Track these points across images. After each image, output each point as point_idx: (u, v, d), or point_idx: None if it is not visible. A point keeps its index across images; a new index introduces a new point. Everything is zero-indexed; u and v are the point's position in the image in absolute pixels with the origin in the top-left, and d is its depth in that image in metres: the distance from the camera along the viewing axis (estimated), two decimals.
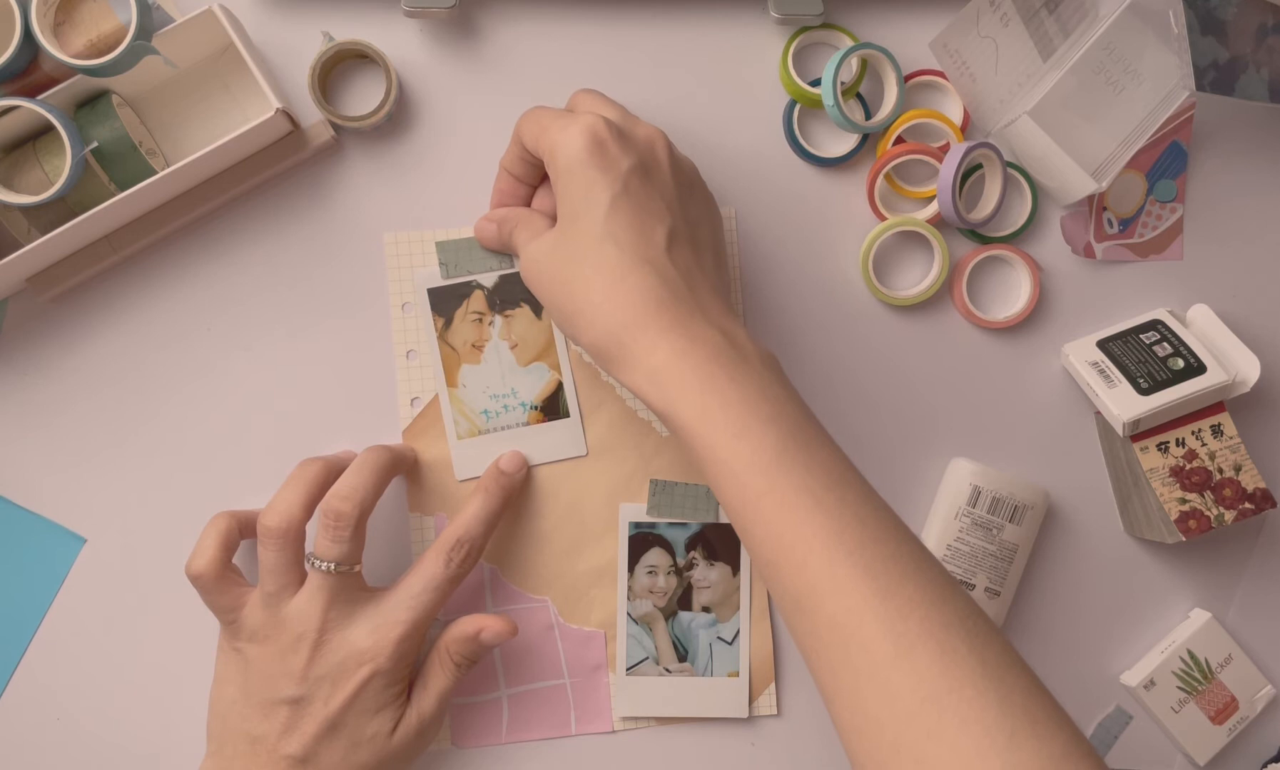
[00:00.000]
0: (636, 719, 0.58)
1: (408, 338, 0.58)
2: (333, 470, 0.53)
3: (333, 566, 0.50)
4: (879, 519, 0.45)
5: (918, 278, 0.60)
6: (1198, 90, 0.56)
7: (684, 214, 0.50)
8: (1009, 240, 0.60)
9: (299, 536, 0.51)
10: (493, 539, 0.58)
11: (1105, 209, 0.60)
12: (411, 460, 0.57)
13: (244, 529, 0.54)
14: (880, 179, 0.58)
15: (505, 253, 0.57)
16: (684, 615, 0.58)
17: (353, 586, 0.51)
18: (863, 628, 0.42)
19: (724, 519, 0.58)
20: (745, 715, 0.59)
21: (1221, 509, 0.56)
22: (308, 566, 0.51)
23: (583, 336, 0.48)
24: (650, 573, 0.58)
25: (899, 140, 0.59)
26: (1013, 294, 0.60)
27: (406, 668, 0.53)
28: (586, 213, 0.48)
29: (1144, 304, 0.61)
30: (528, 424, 0.58)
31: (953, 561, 0.57)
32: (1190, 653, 0.59)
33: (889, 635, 0.42)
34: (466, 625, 0.54)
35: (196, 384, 0.57)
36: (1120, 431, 0.56)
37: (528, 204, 0.55)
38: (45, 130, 0.52)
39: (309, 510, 0.51)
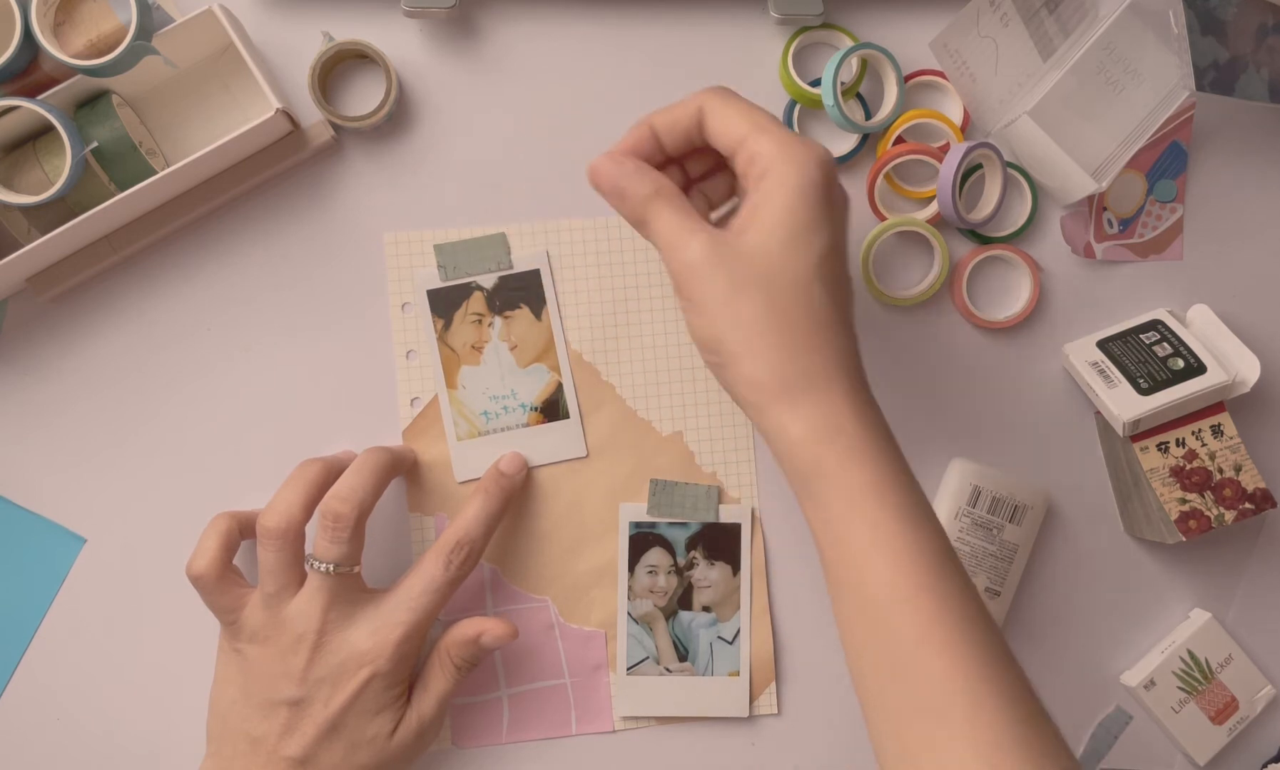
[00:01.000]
0: (637, 719, 0.58)
1: (407, 338, 0.58)
2: (332, 471, 0.53)
3: (332, 567, 0.50)
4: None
5: (918, 278, 0.60)
6: (1198, 90, 0.56)
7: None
8: (1009, 240, 0.60)
9: (299, 537, 0.51)
10: (493, 539, 0.58)
11: (1105, 209, 0.60)
12: (411, 461, 0.57)
13: (245, 529, 0.54)
14: (880, 179, 0.58)
15: (616, 205, 0.48)
16: (684, 615, 0.58)
17: (352, 587, 0.51)
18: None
19: (724, 519, 0.58)
20: (746, 715, 0.59)
21: (1221, 509, 0.56)
22: (307, 567, 0.51)
23: (750, 367, 0.46)
24: (650, 572, 0.58)
25: (899, 140, 0.59)
26: (1013, 294, 0.60)
27: (406, 669, 0.53)
28: (805, 243, 0.45)
29: (1144, 304, 0.61)
30: (527, 425, 0.58)
31: None
32: (1190, 653, 0.59)
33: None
34: (467, 628, 0.54)
35: (196, 384, 0.57)
36: (1120, 431, 0.56)
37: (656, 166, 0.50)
38: (45, 130, 0.52)
39: (309, 511, 0.51)
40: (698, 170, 0.52)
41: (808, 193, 0.45)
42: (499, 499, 0.55)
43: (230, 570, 0.52)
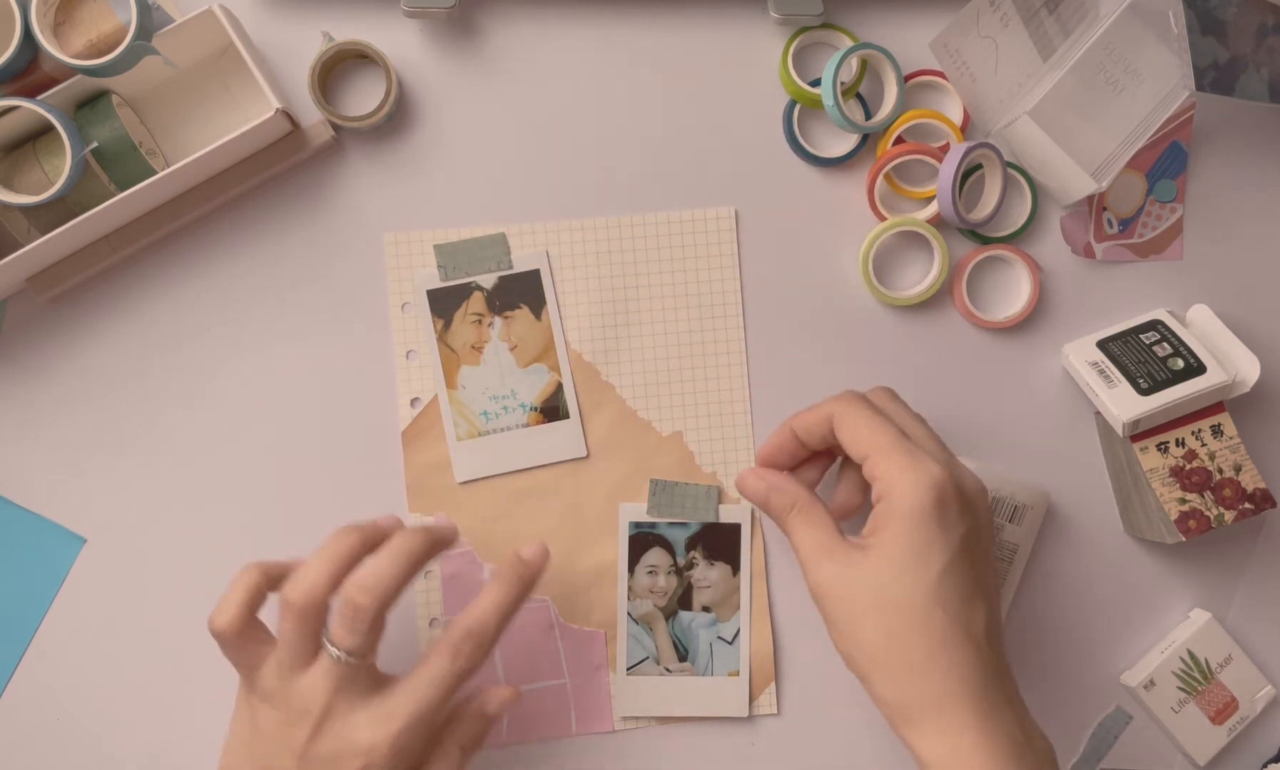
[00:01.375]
0: (637, 719, 0.58)
1: (407, 338, 0.58)
2: (368, 544, 0.51)
3: (344, 656, 0.48)
4: None
5: (918, 278, 0.60)
6: (1198, 90, 0.56)
7: (994, 580, 0.50)
8: (1009, 240, 0.60)
9: (320, 614, 0.49)
10: (493, 540, 0.58)
11: (1105, 209, 0.60)
12: (451, 539, 0.54)
13: (273, 582, 0.52)
14: (880, 179, 0.58)
15: (764, 511, 0.54)
16: (684, 615, 0.58)
17: (363, 675, 0.50)
18: None
19: (724, 519, 0.58)
20: (745, 715, 0.59)
21: (1221, 509, 0.56)
22: (323, 642, 0.49)
23: (881, 687, 0.48)
24: (650, 573, 0.58)
25: (899, 140, 0.59)
26: (1013, 294, 0.60)
27: (405, 763, 0.50)
28: (919, 568, 0.47)
29: (1144, 304, 0.61)
30: (527, 425, 0.58)
31: None
32: (1190, 653, 0.59)
33: None
34: (469, 707, 0.53)
35: (196, 384, 0.57)
36: (1120, 431, 0.56)
37: (793, 464, 0.55)
38: (45, 130, 0.52)
39: (335, 586, 0.49)
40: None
41: (920, 517, 0.48)
42: (517, 588, 0.52)
43: (253, 625, 0.51)
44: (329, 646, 0.49)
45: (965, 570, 0.48)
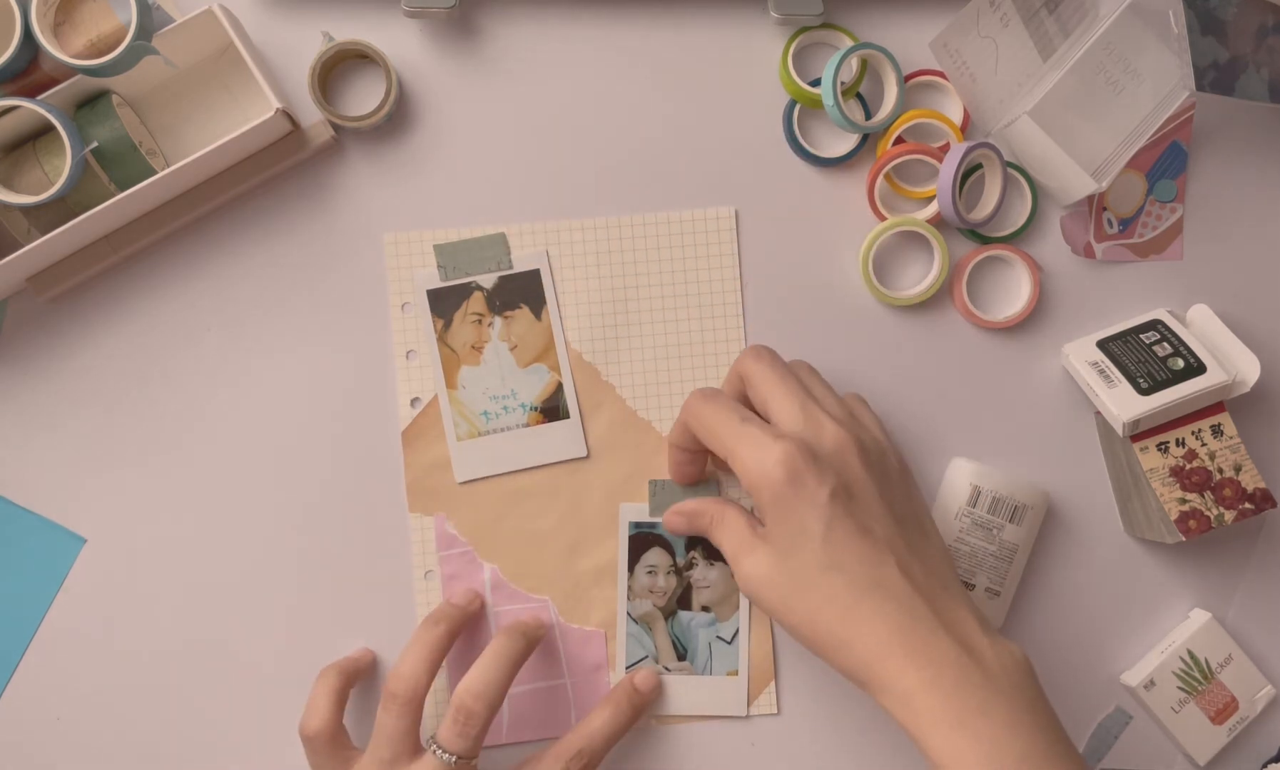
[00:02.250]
0: None
1: (407, 338, 0.58)
2: (456, 629, 0.53)
3: (454, 759, 0.50)
4: None
5: (918, 278, 0.60)
6: (1198, 90, 0.56)
7: (893, 516, 0.49)
8: (1009, 240, 0.60)
9: (421, 704, 0.51)
10: (493, 539, 0.58)
11: (1105, 209, 0.60)
12: (543, 635, 0.57)
13: (351, 680, 0.54)
14: (880, 179, 0.58)
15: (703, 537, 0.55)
16: (683, 615, 0.58)
17: None
18: None
19: None
20: (744, 714, 0.59)
21: (1221, 509, 0.56)
22: (425, 743, 0.51)
23: (832, 663, 0.48)
24: (650, 572, 0.58)
25: (899, 140, 0.59)
26: (1013, 294, 0.60)
27: None
28: (804, 543, 0.48)
29: (1144, 304, 0.61)
30: (527, 425, 0.58)
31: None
32: (1190, 653, 0.59)
33: None
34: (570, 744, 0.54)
35: (196, 384, 0.57)
36: (1120, 431, 0.56)
37: (704, 469, 0.57)
38: (45, 130, 0.52)
39: (433, 674, 0.51)
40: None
41: (779, 498, 0.48)
42: (628, 715, 0.55)
43: (341, 729, 0.52)
44: (436, 749, 0.50)
45: (849, 524, 0.48)
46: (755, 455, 0.48)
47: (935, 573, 0.49)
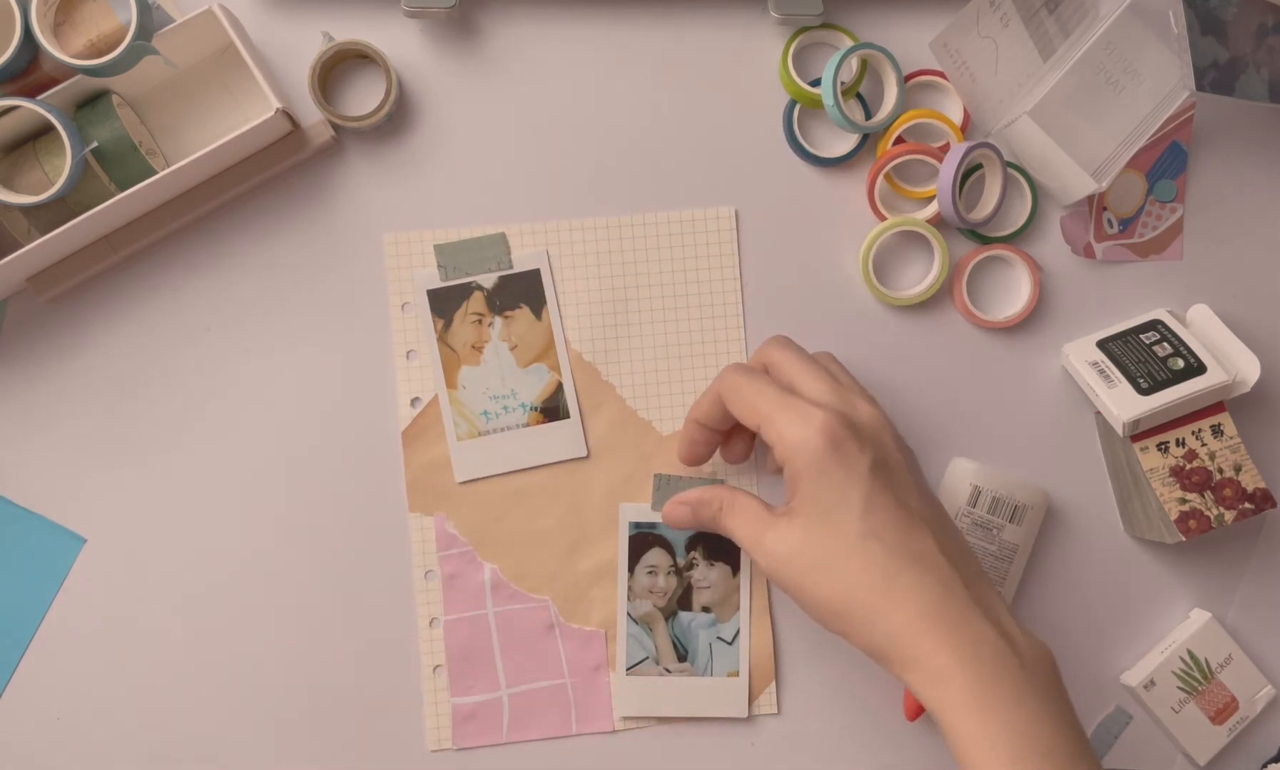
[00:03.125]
0: (636, 719, 0.58)
1: (408, 338, 0.58)
2: None
3: None
4: None
5: (918, 278, 0.60)
6: (1198, 90, 0.56)
7: (926, 498, 0.50)
8: (1009, 240, 0.60)
9: None
10: (494, 539, 0.58)
11: (1105, 209, 0.60)
12: None
13: None
14: (880, 179, 0.58)
15: (706, 529, 0.54)
16: (684, 615, 0.58)
17: None
18: None
19: None
20: (745, 715, 0.59)
21: (1221, 509, 0.56)
22: None
23: (856, 637, 0.48)
24: (650, 573, 0.58)
25: (899, 140, 0.59)
26: (1013, 294, 0.60)
27: None
28: (843, 511, 0.47)
29: (1144, 304, 0.61)
30: (527, 425, 0.58)
31: None
32: (1190, 653, 0.59)
33: None
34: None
35: (196, 383, 0.57)
36: (1120, 431, 0.56)
37: (713, 454, 0.56)
38: (45, 130, 0.52)
39: None
40: None
41: (820, 465, 0.47)
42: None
43: None
44: None
45: (888, 497, 0.48)
46: (796, 422, 0.48)
47: (968, 557, 0.49)
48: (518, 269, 0.58)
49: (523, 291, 0.58)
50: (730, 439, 0.56)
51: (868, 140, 0.59)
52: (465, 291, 0.58)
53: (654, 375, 0.59)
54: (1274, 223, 0.61)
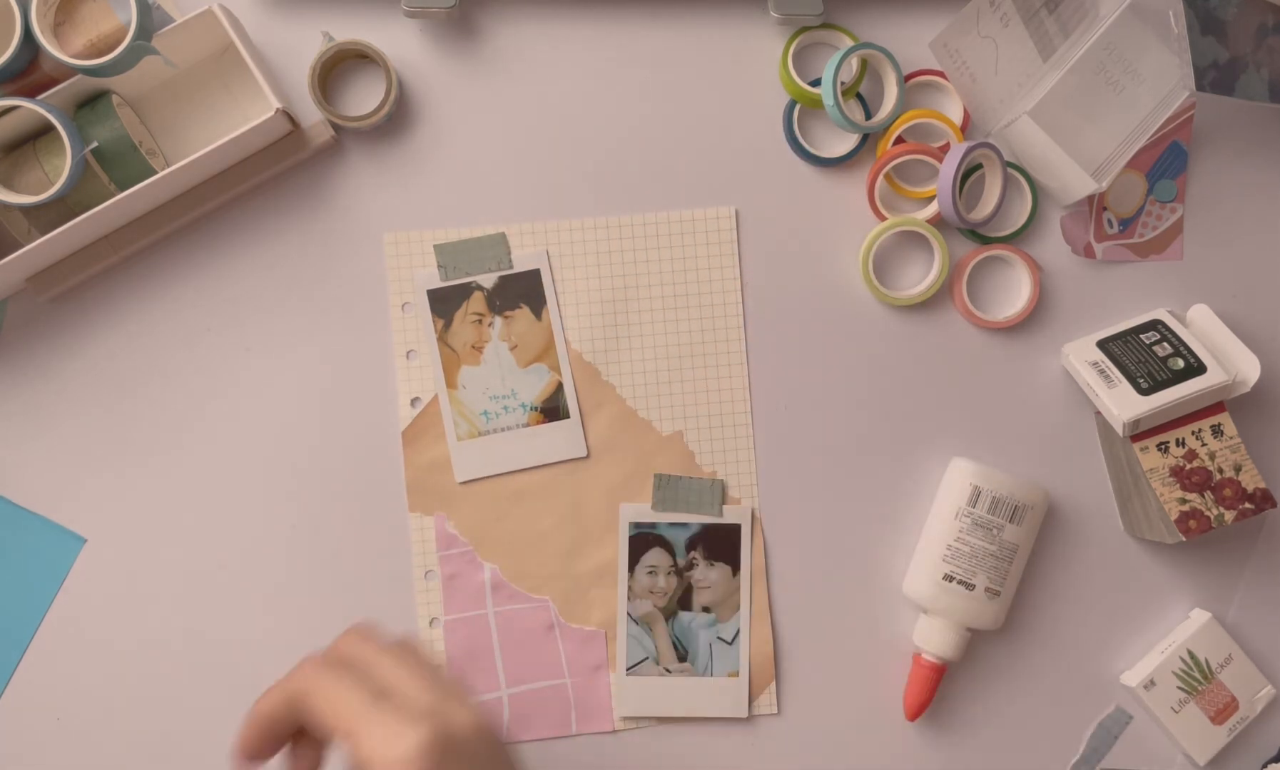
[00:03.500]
0: (636, 719, 0.58)
1: (408, 338, 0.58)
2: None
3: None
4: None
5: (918, 278, 0.60)
6: (1198, 90, 0.56)
7: None
8: (1009, 240, 0.60)
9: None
10: (494, 539, 0.58)
11: (1105, 209, 0.60)
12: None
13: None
14: (880, 179, 0.58)
15: None
16: (684, 615, 0.58)
17: None
18: None
19: (726, 518, 0.58)
20: (745, 715, 0.59)
21: (1221, 509, 0.56)
22: None
23: None
24: (650, 573, 0.58)
25: (899, 140, 0.59)
26: (1013, 294, 0.60)
27: None
28: None
29: (1144, 304, 0.61)
30: (527, 425, 0.58)
31: (953, 561, 0.57)
32: (1190, 653, 0.59)
33: None
34: None
35: (196, 383, 0.57)
36: (1120, 431, 0.56)
37: (271, 756, 0.44)
38: (45, 130, 0.52)
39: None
40: None
41: None
42: None
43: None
44: None
45: None
46: (392, 740, 0.40)
47: None
48: (518, 269, 0.58)
49: (523, 291, 0.58)
50: (298, 746, 0.45)
51: (868, 140, 0.59)
52: (465, 291, 0.58)
53: (654, 375, 0.59)
54: (1274, 223, 0.61)
